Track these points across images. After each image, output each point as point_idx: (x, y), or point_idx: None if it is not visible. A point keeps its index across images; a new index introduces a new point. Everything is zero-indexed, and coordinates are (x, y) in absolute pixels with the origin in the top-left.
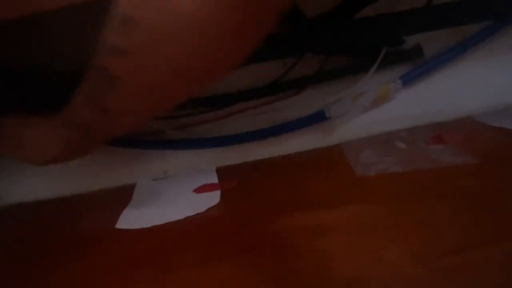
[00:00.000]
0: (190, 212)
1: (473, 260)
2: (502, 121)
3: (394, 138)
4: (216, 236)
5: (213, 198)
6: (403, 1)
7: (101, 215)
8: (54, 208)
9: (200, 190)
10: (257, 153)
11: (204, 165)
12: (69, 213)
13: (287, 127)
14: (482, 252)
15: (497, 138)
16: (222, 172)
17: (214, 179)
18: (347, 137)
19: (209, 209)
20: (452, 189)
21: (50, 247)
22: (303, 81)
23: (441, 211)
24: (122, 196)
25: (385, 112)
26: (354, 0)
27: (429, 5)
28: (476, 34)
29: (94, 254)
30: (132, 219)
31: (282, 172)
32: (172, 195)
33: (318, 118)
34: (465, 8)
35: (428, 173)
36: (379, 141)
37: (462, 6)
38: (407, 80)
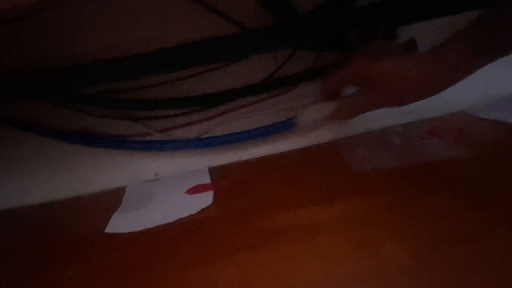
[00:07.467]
0: (183, 214)
1: (469, 253)
2: (496, 113)
3: (389, 133)
4: (209, 238)
5: (206, 199)
6: None
7: (92, 219)
8: (42, 213)
9: (192, 191)
10: (250, 151)
11: (196, 165)
12: (58, 218)
13: None
14: (477, 245)
15: (491, 131)
16: (214, 172)
17: (207, 180)
18: (342, 133)
19: (202, 210)
20: (447, 182)
21: (39, 254)
22: (295, 78)
23: (436, 205)
24: (113, 200)
25: None
26: None
27: None
28: None
29: (85, 259)
30: (122, 222)
31: (276, 170)
32: (164, 197)
33: None
34: None
35: (423, 167)
36: (374, 136)
37: None
38: None
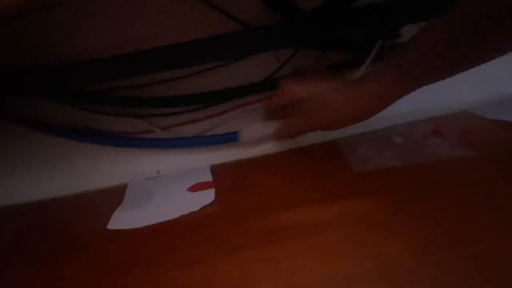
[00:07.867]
0: (185, 211)
1: (471, 253)
2: (498, 113)
3: (391, 133)
4: (211, 236)
5: (208, 196)
6: None
7: (93, 216)
8: (44, 210)
9: (194, 188)
10: (251, 150)
11: (198, 163)
12: (60, 215)
13: None
14: (479, 245)
15: (494, 131)
16: (216, 170)
17: (208, 177)
18: (344, 133)
19: (203, 207)
20: (450, 182)
21: (40, 251)
22: None
23: (439, 205)
24: (115, 197)
25: None
26: None
27: None
28: None
29: (87, 256)
30: (124, 219)
31: (278, 169)
32: (166, 194)
33: None
34: None
35: (426, 167)
36: (376, 136)
37: None
38: None
